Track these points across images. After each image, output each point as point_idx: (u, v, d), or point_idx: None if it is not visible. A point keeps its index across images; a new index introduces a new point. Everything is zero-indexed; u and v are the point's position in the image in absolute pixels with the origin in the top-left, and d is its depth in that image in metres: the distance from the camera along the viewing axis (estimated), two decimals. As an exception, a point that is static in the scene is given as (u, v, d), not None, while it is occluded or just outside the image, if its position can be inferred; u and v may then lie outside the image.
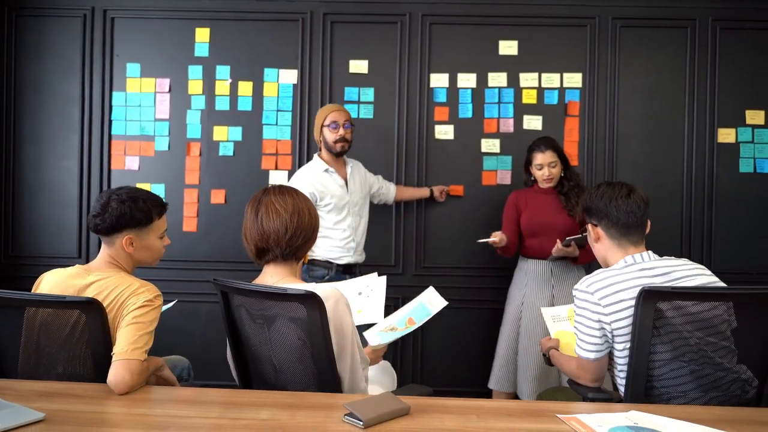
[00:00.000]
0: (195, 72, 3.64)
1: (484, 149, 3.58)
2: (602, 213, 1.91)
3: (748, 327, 1.73)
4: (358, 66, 3.61)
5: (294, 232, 1.73)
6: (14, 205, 3.68)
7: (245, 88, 3.63)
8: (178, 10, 3.64)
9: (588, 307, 1.81)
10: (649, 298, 1.67)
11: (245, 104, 3.63)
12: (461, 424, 1.41)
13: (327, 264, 3.05)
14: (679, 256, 3.46)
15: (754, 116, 3.56)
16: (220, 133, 3.64)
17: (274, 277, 1.76)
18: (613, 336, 1.78)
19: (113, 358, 1.64)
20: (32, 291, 1.90)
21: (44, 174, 3.67)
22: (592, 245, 2.00)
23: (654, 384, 1.73)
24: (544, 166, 3.03)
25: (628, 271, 1.81)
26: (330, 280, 3.03)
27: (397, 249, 3.61)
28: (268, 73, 3.63)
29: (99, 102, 3.66)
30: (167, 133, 3.65)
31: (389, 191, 3.40)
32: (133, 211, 1.87)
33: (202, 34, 3.64)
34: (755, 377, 1.73)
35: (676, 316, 1.68)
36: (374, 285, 2.35)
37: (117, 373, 1.60)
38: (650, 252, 1.88)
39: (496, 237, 2.97)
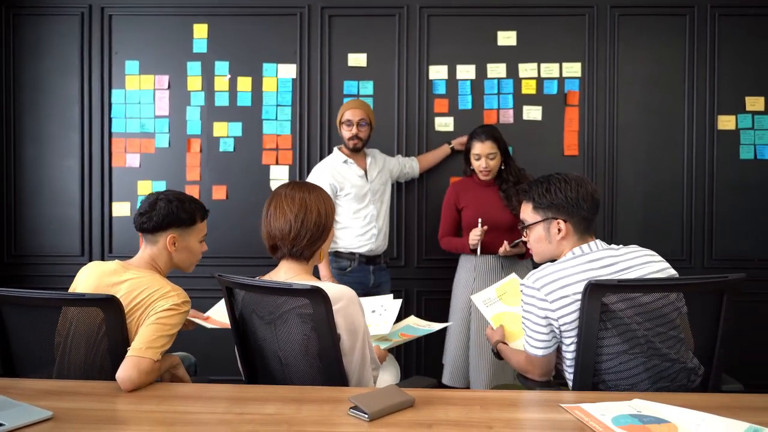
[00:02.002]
0: (194, 68, 3.64)
1: (484, 141, 3.58)
2: (575, 208, 1.81)
3: (695, 316, 1.73)
4: (357, 59, 3.61)
5: (298, 233, 1.72)
6: (16, 204, 3.69)
7: (244, 83, 3.63)
8: (175, 6, 3.63)
9: (535, 303, 1.76)
10: (595, 291, 1.64)
11: (245, 100, 3.63)
12: (466, 415, 1.42)
13: (350, 255, 3.11)
14: (680, 244, 3.54)
15: (754, 103, 3.55)
16: (220, 129, 3.64)
17: (288, 273, 1.76)
18: (561, 331, 1.75)
19: (127, 353, 1.65)
20: (74, 282, 1.96)
21: (45, 173, 3.68)
22: (542, 242, 1.89)
23: (603, 377, 1.72)
24: (482, 157, 2.94)
25: (575, 264, 1.77)
26: (353, 271, 3.10)
27: (399, 241, 3.62)
28: (267, 68, 3.63)
29: (98, 100, 3.66)
30: (167, 130, 3.65)
31: (413, 168, 3.43)
32: (179, 211, 1.92)
33: (200, 30, 3.63)
34: (701, 365, 1.74)
35: (623, 309, 1.66)
36: (389, 306, 2.39)
37: (126, 369, 1.61)
38: (598, 241, 1.84)
39: (479, 232, 2.88)
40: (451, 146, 3.50)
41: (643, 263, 1.78)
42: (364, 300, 2.43)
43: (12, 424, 1.32)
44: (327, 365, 1.65)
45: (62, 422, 1.37)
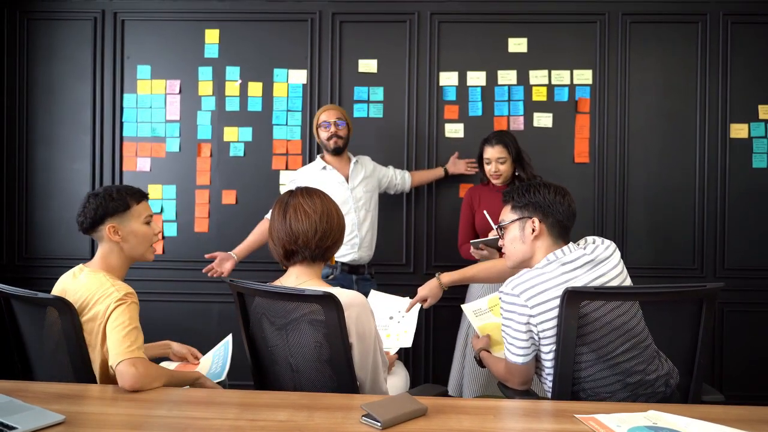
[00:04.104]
0: (205, 73, 3.65)
1: (494, 147, 3.57)
2: (550, 210, 1.84)
3: (674, 325, 1.73)
4: (368, 65, 3.61)
5: (324, 234, 1.73)
6: (27, 207, 3.71)
7: (255, 88, 3.64)
8: (187, 11, 3.65)
9: (515, 310, 1.76)
10: (573, 298, 1.65)
11: (255, 105, 3.64)
12: (479, 424, 1.40)
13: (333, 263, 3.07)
14: (692, 253, 3.51)
15: (766, 111, 3.52)
16: (230, 133, 3.65)
17: (299, 278, 1.76)
18: (539, 338, 1.75)
19: (113, 369, 1.67)
20: None
21: (56, 176, 3.70)
22: (515, 243, 1.90)
23: (583, 386, 1.71)
24: (492, 161, 2.92)
25: (551, 269, 1.77)
26: (335, 278, 3.05)
27: (408, 248, 3.61)
28: (278, 73, 3.63)
29: (110, 104, 3.68)
30: (178, 135, 3.66)
31: (405, 180, 3.38)
32: (107, 201, 1.91)
33: (212, 36, 3.64)
34: (678, 371, 1.74)
35: (601, 315, 1.67)
36: (403, 308, 2.39)
37: (122, 374, 1.64)
38: (571, 244, 1.85)
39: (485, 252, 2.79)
40: (445, 169, 3.49)
41: (610, 256, 1.81)
42: (380, 302, 2.43)
43: (24, 427, 1.32)
44: (338, 372, 1.64)
45: (74, 426, 1.37)
